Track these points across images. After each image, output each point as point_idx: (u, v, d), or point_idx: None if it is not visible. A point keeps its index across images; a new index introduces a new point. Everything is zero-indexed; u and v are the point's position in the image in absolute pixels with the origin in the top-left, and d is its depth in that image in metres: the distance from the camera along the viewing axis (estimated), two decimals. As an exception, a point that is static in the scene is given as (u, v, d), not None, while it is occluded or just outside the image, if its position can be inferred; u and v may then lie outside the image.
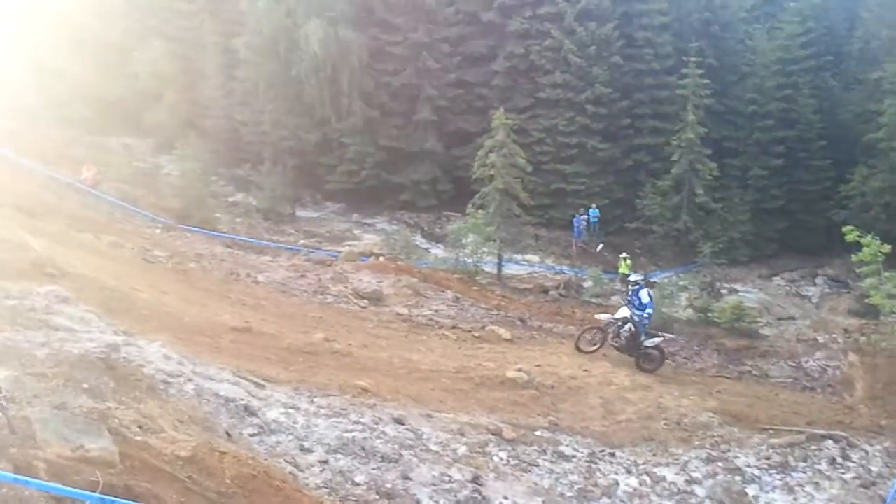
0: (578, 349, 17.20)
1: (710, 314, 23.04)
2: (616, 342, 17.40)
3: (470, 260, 25.36)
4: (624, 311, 17.36)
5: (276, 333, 14.07)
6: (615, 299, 26.17)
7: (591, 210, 31.92)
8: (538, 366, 15.49)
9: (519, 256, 28.91)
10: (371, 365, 13.67)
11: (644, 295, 17.52)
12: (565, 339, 19.13)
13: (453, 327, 18.58)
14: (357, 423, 10.52)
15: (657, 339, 17.83)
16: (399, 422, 11.07)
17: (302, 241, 28.80)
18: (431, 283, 22.10)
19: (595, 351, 17.27)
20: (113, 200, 26.36)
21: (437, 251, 29.32)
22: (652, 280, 27.37)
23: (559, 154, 33.39)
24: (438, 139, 35.04)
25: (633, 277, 18.65)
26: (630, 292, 17.86)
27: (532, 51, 34.47)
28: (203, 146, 32.39)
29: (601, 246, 30.69)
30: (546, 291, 26.01)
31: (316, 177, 35.46)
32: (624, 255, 27.72)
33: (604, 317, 17.95)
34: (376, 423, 10.71)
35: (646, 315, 17.34)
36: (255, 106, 35.83)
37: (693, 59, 30.87)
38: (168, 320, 12.42)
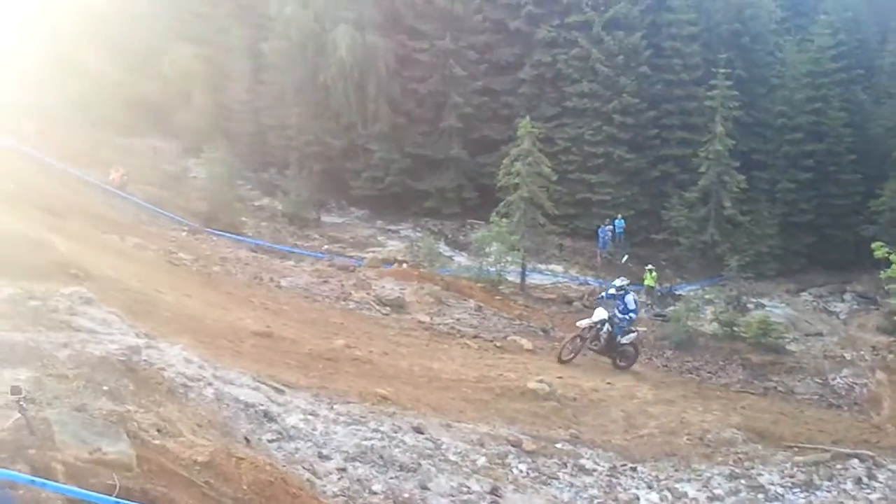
0: (560, 359, 17.05)
1: (735, 328, 22.81)
2: (595, 345, 17.51)
3: (493, 269, 25.27)
4: (602, 313, 17.44)
5: (297, 339, 14.03)
6: (640, 312, 25.99)
7: (616, 220, 31.72)
8: (560, 377, 15.34)
9: (543, 266, 28.80)
10: (391, 372, 13.59)
11: (630, 300, 17.76)
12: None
13: (475, 336, 18.49)
14: (376, 431, 10.42)
15: (632, 336, 17.94)
16: (418, 431, 10.96)
17: (326, 247, 28.85)
18: (454, 292, 22.02)
19: (573, 358, 17.23)
20: (139, 202, 26.55)
21: (461, 259, 29.27)
22: (677, 293, 27.17)
23: (585, 163, 33.28)
24: (464, 147, 35.04)
25: (618, 282, 18.58)
26: (615, 296, 17.89)
27: (559, 59, 34.42)
28: (230, 150, 32.63)
29: (626, 257, 30.45)
30: (570, 302, 25.85)
31: (341, 182, 35.56)
32: (649, 266, 27.50)
33: (584, 322, 17.83)
34: (395, 432, 10.61)
35: (627, 318, 17.59)
36: (282, 110, 36.04)
37: (722, 70, 30.68)
38: (190, 323, 12.41)
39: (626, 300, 17.68)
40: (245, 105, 37.41)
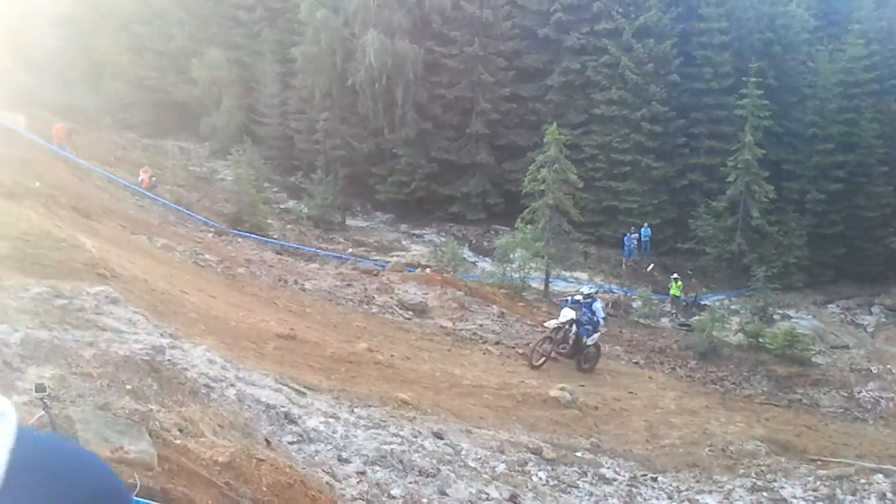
0: (531, 365, 16.58)
1: (761, 340, 22.59)
2: (563, 348, 17.17)
3: (517, 275, 25.23)
4: (569, 313, 17.11)
5: (319, 341, 14.10)
6: (664, 321, 25.82)
7: (642, 229, 31.52)
8: (582, 386, 15.31)
9: (567, 273, 28.67)
10: (413, 377, 13.61)
11: (598, 308, 17.65)
12: (611, 359, 18.88)
13: (497, 343, 18.47)
14: (396, 435, 10.44)
15: (596, 336, 17.66)
16: (438, 436, 10.97)
17: (350, 250, 28.96)
18: (477, 297, 22.01)
19: (544, 363, 16.79)
20: (167, 203, 26.81)
21: (485, 265, 29.24)
22: (702, 302, 26.96)
23: (612, 171, 33.12)
24: (490, 152, 35.03)
25: (585, 290, 18.55)
26: (582, 304, 17.54)
27: (588, 67, 34.31)
28: (258, 153, 32.93)
29: (652, 266, 30.27)
30: (594, 310, 25.75)
31: (367, 186, 35.69)
32: (675, 275, 27.30)
33: (552, 322, 17.55)
34: (415, 437, 10.62)
35: (595, 324, 17.41)
36: (310, 115, 36.27)
37: (753, 79, 30.37)
38: (214, 324, 12.51)
39: (593, 307, 17.52)
40: (274, 109, 37.71)
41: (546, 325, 18.03)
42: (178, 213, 26.42)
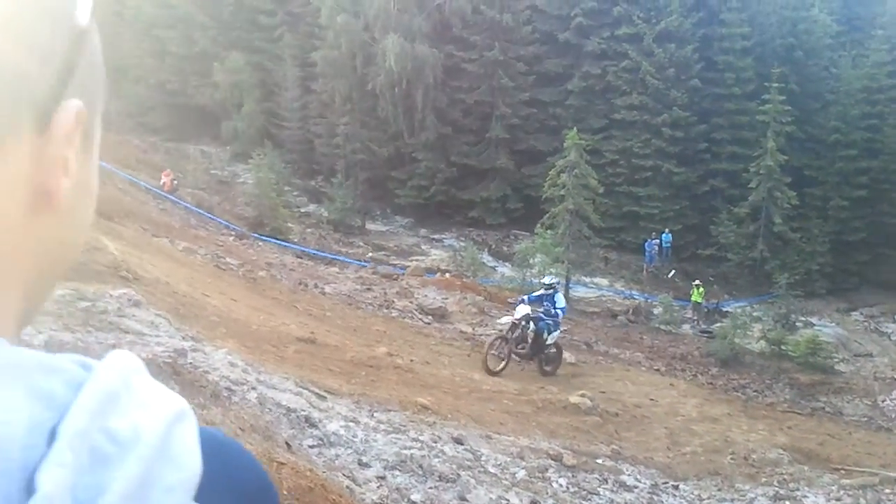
0: (487, 370, 15.19)
1: (783, 347, 22.36)
2: (521, 348, 15.75)
3: (537, 280, 25.12)
4: (524, 309, 15.83)
5: (339, 345, 14.11)
6: (685, 327, 25.65)
7: (663, 235, 31.31)
8: (602, 392, 15.20)
9: (587, 279, 28.54)
10: (432, 382, 13.58)
11: (560, 298, 16.40)
12: (632, 365, 18.76)
13: (517, 348, 18.38)
14: (416, 440, 10.41)
15: (556, 334, 16.36)
16: (458, 441, 10.93)
17: (370, 254, 28.99)
18: (497, 303, 21.95)
19: (504, 368, 15.42)
20: (189, 206, 26.96)
21: (504, 270, 29.16)
22: (724, 309, 26.76)
23: (633, 176, 32.97)
24: (510, 157, 34.97)
25: (547, 279, 17.23)
26: (544, 297, 16.33)
27: (608, 71, 34.19)
28: (278, 157, 33.05)
29: (673, 272, 30.06)
30: (614, 316, 25.60)
31: (386, 191, 35.74)
32: (696, 282, 27.07)
33: (506, 319, 16.26)
34: (435, 442, 10.59)
35: (555, 317, 16.06)
36: (331, 119, 36.39)
37: (775, 84, 30.16)
38: (236, 327, 12.55)
39: (555, 298, 16.22)
40: (294, 113, 37.86)
41: (499, 321, 16.77)
42: (200, 216, 26.57)
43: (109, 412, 0.49)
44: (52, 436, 0.46)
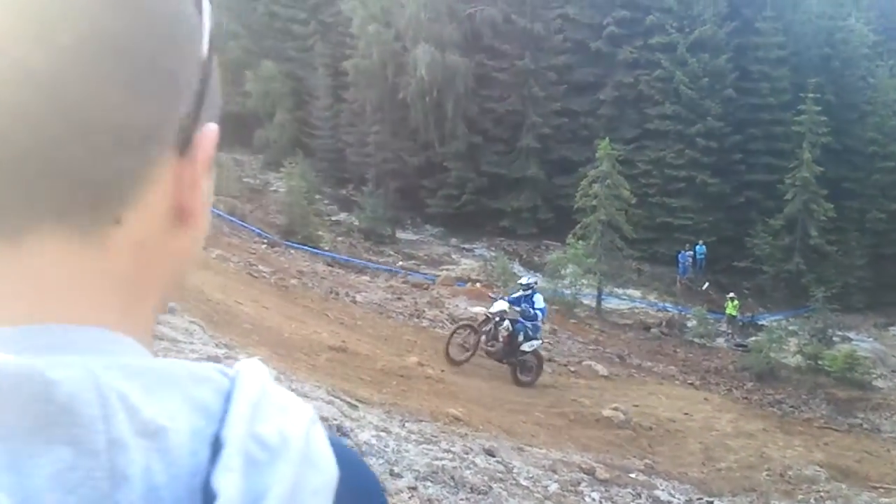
0: (449, 359, 14.41)
1: (820, 362, 21.94)
2: (491, 346, 14.69)
3: (568, 291, 24.92)
4: (501, 304, 14.88)
5: (370, 354, 14.06)
6: (720, 341, 25.31)
7: (697, 246, 30.90)
8: (636, 406, 15.00)
9: (620, 290, 28.20)
10: (464, 392, 13.48)
11: (539, 300, 15.28)
12: (665, 379, 18.52)
13: (549, 360, 18.17)
14: (447, 451, 10.32)
15: (536, 343, 15.12)
16: (490, 453, 10.82)
17: (400, 263, 28.95)
18: (528, 313, 21.80)
19: (468, 359, 14.58)
20: (221, 214, 27.13)
21: (535, 280, 28.94)
22: (759, 323, 26.38)
23: (666, 187, 32.66)
24: (540, 167, 34.81)
25: (524, 280, 16.13)
26: (522, 298, 15.25)
27: (641, 81, 33.95)
28: (310, 165, 33.21)
29: (707, 284, 29.64)
30: (647, 328, 25.26)
31: (417, 199, 35.74)
32: (731, 295, 26.64)
33: (478, 310, 15.41)
34: (467, 453, 10.49)
35: (534, 319, 14.96)
36: (362, 128, 36.52)
37: (811, 94, 29.76)
38: (268, 335, 12.57)
39: (534, 299, 15.16)
40: (326, 122, 38.07)
41: (472, 310, 15.80)
42: (233, 224, 26.71)
43: (257, 419, 0.52)
44: (216, 442, 0.50)
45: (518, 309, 15.05)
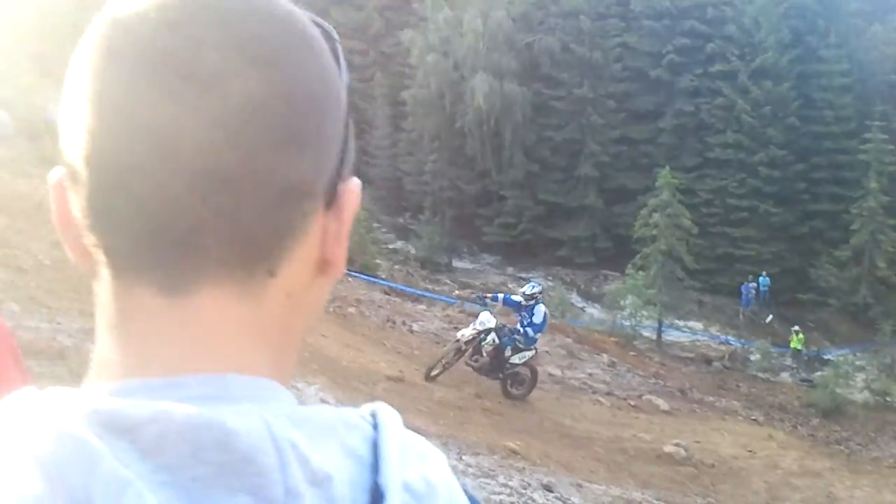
0: (428, 377, 13.62)
1: (889, 398, 21.28)
2: (476, 360, 13.58)
3: (628, 323, 24.55)
4: (487, 319, 13.50)
5: (427, 385, 14.03)
6: (784, 375, 24.68)
7: (760, 278, 30.27)
8: (697, 442, 14.68)
9: (681, 322, 27.68)
10: (521, 426, 13.34)
11: (539, 313, 13.76)
12: (728, 414, 18.09)
13: (608, 393, 17.96)
14: (505, 485, 10.20)
15: (528, 354, 13.88)
16: (548, 489, 10.66)
17: (456, 292, 28.94)
18: (586, 345, 21.57)
19: (441, 373, 13.59)
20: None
21: (594, 311, 28.65)
22: (825, 357, 25.68)
23: (728, 217, 32.17)
24: (598, 195, 34.66)
25: (528, 289, 14.31)
26: (524, 307, 13.87)
27: (702, 109, 33.68)
28: (368, 194, 33.47)
29: (771, 317, 28.95)
30: (709, 362, 24.69)
31: (473, 228, 35.83)
32: (796, 328, 26.02)
33: (467, 331, 13.72)
34: (524, 488, 10.35)
35: (528, 333, 13.71)
36: (419, 156, 36.86)
37: (877, 122, 29.22)
38: (326, 364, 12.63)
39: (535, 310, 13.66)
40: (384, 150, 38.51)
41: (459, 334, 14.24)
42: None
43: (404, 467, 0.54)
44: (375, 492, 0.51)
45: (511, 320, 14.17)
